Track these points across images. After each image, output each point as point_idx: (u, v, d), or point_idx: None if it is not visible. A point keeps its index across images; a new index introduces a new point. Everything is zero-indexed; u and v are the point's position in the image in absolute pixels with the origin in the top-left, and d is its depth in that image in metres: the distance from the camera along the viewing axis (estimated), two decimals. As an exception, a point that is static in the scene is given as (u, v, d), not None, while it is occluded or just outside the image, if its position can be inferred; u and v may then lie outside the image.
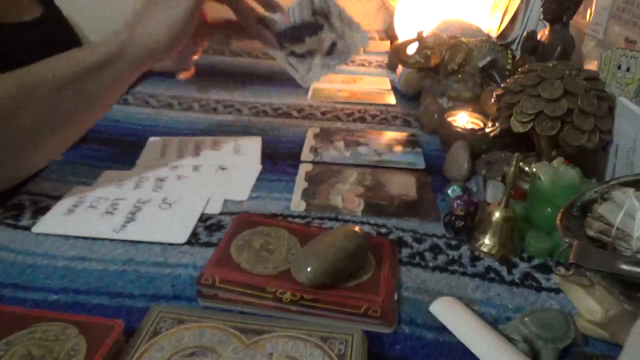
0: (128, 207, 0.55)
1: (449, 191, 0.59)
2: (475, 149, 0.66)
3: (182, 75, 0.73)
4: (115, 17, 0.90)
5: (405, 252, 0.52)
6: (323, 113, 0.86)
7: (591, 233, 0.42)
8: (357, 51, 0.71)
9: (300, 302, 0.43)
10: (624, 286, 0.37)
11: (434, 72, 0.88)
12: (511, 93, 0.61)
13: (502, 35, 0.87)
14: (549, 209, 0.52)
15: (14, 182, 0.56)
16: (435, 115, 0.78)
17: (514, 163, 0.49)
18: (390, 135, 0.78)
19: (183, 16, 0.57)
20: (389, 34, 1.31)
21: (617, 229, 0.40)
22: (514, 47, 0.84)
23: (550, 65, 0.60)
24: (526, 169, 0.53)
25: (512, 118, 0.60)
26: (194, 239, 0.51)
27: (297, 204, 0.58)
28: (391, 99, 0.93)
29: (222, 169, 0.65)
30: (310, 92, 0.95)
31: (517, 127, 0.59)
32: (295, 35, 0.66)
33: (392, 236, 0.54)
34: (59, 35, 0.85)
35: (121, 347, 0.37)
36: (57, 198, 0.56)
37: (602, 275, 0.38)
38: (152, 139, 0.72)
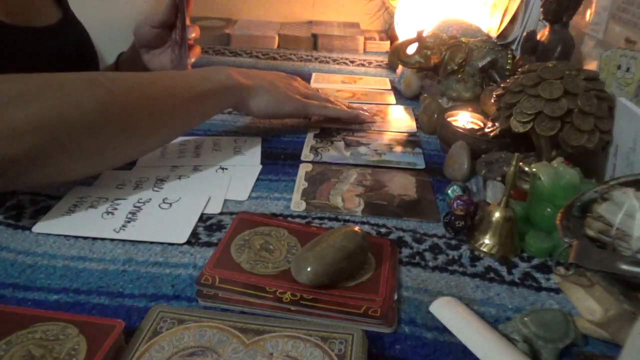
0: (128, 207, 0.55)
1: (449, 191, 0.59)
2: (475, 149, 0.66)
3: None
4: (121, 23, 0.90)
5: (405, 252, 0.52)
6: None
7: (591, 233, 0.43)
8: None
9: (300, 302, 0.43)
10: (624, 286, 0.37)
11: (434, 72, 0.88)
12: (511, 93, 0.61)
13: (502, 35, 0.87)
14: (549, 209, 0.52)
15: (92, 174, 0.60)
16: (435, 115, 0.78)
17: (514, 163, 0.49)
18: (390, 135, 0.78)
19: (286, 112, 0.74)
20: (389, 34, 1.31)
21: (617, 229, 0.40)
22: (514, 47, 0.84)
23: (550, 65, 0.60)
24: (526, 169, 0.53)
25: (512, 118, 0.60)
26: (194, 239, 0.51)
27: (297, 204, 0.59)
28: (391, 99, 0.93)
29: (222, 169, 0.65)
30: (310, 92, 0.95)
31: (517, 127, 0.59)
32: None
33: (392, 236, 0.54)
34: (76, 40, 0.86)
35: (121, 347, 0.37)
36: (57, 198, 0.56)
37: (602, 275, 0.38)
38: (152, 139, 0.72)
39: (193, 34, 0.81)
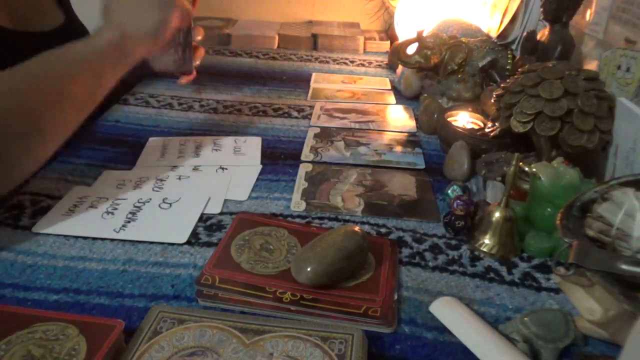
0: (128, 207, 0.55)
1: (449, 191, 0.59)
2: (475, 149, 0.66)
3: (184, 80, 0.73)
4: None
5: (405, 252, 0.52)
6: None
7: (591, 233, 0.42)
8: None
9: (300, 302, 0.43)
10: (624, 286, 0.37)
11: (434, 72, 0.88)
12: (511, 93, 0.61)
13: (502, 35, 0.87)
14: (549, 209, 0.52)
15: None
16: (435, 115, 0.78)
17: (514, 163, 0.49)
18: (390, 135, 0.78)
19: (168, 14, 0.63)
20: (389, 34, 1.31)
21: (617, 229, 0.40)
22: (514, 47, 0.84)
23: (550, 65, 0.60)
24: (526, 169, 0.53)
25: (512, 118, 0.60)
26: (194, 239, 0.51)
27: (297, 204, 0.58)
28: (391, 99, 0.93)
29: (222, 169, 0.65)
30: (310, 92, 0.95)
31: (517, 127, 0.59)
32: None
33: (392, 236, 0.54)
34: None
35: (121, 347, 0.37)
36: (57, 198, 0.56)
37: (602, 275, 0.38)
38: (152, 139, 0.72)
39: (199, 36, 0.80)
